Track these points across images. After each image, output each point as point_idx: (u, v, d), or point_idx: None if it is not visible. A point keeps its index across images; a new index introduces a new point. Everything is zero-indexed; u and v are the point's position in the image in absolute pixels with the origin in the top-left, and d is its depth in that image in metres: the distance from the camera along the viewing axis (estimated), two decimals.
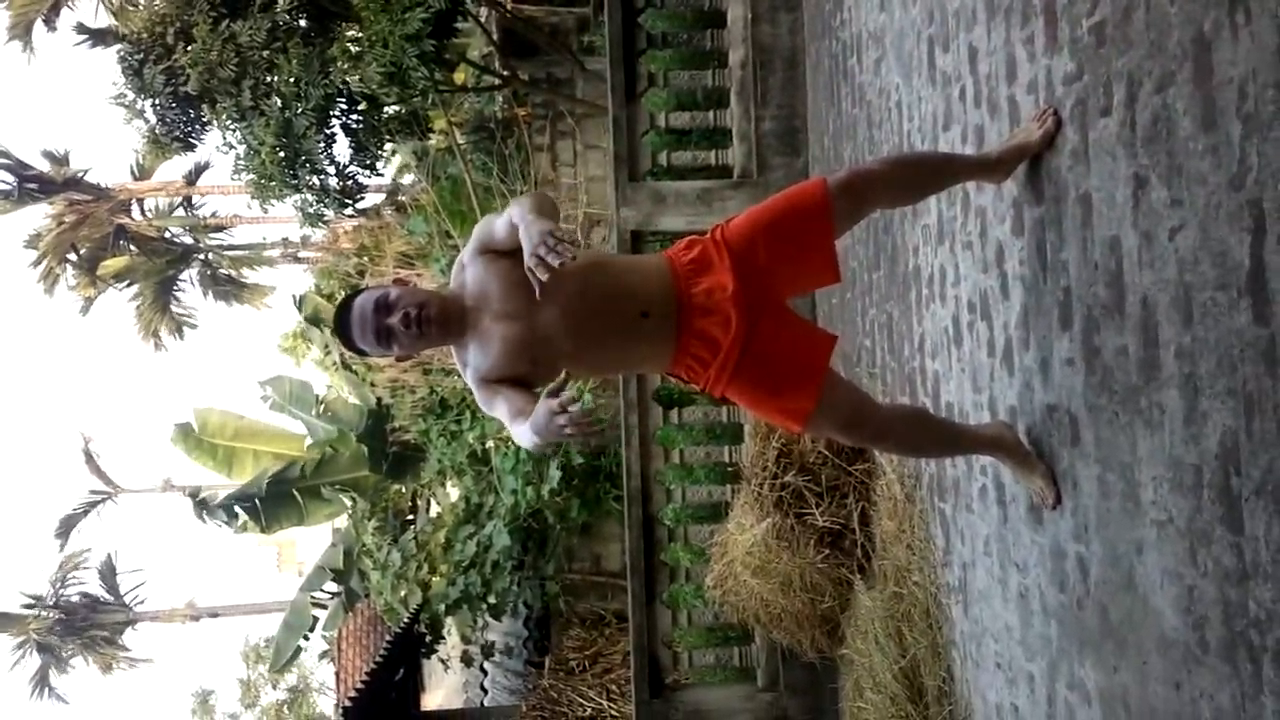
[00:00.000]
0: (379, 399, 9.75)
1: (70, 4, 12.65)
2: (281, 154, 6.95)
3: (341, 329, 2.17)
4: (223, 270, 16.56)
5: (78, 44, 9.92)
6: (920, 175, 2.37)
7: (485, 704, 9.26)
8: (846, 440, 2.35)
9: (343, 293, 11.66)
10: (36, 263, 15.11)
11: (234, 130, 7.25)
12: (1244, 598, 1.57)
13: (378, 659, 7.52)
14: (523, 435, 2.01)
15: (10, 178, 14.90)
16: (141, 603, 18.32)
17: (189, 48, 7.19)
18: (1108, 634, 2.05)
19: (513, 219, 2.03)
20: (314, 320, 11.55)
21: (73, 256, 15.25)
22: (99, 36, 9.80)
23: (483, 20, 8.78)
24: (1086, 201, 2.06)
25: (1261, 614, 1.53)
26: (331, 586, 10.19)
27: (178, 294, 16.06)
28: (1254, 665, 1.55)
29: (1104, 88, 1.97)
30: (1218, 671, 1.65)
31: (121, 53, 7.72)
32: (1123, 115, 1.90)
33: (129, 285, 15.72)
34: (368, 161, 7.84)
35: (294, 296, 12.45)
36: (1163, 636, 1.82)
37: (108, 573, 17.56)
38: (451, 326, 2.13)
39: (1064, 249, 2.17)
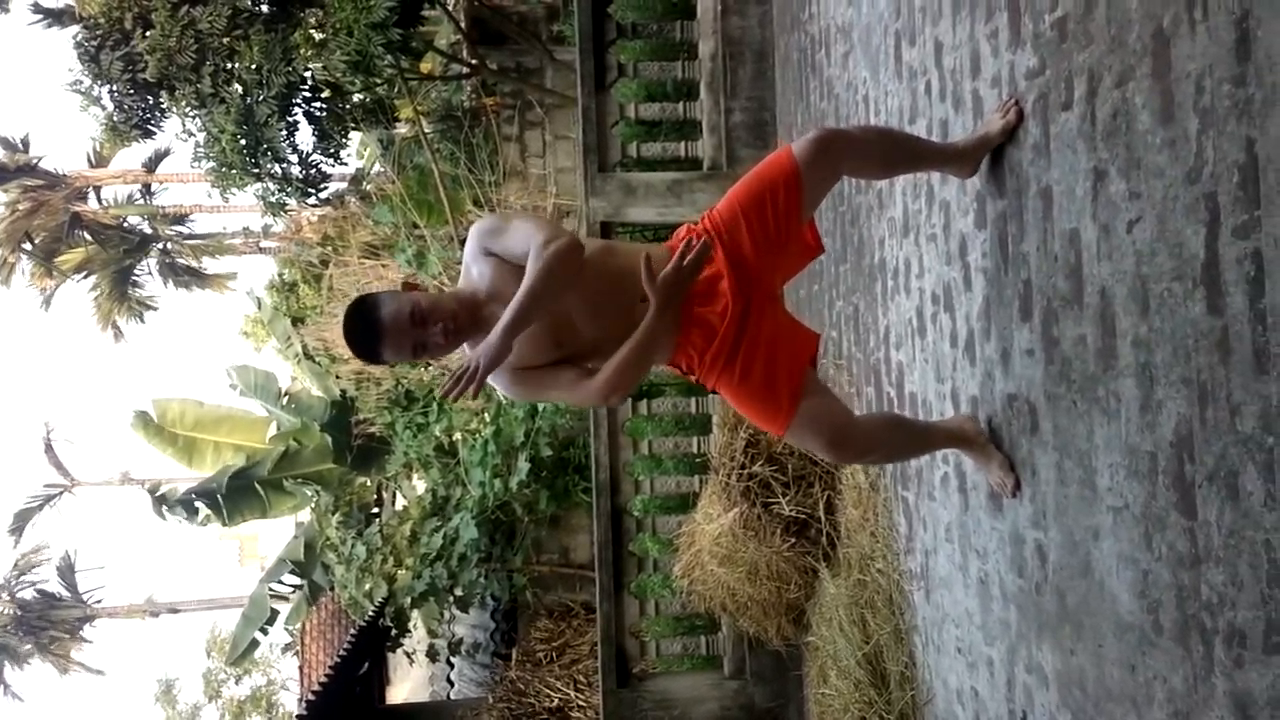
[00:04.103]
0: (343, 391, 9.63)
1: None
2: (242, 142, 6.84)
3: (364, 341, 2.02)
4: (182, 260, 16.23)
5: (32, 23, 9.63)
6: (892, 147, 2.39)
7: (451, 696, 9.22)
8: (831, 458, 2.35)
9: (305, 284, 11.50)
10: None
11: (194, 117, 7.12)
12: (1197, 581, 1.61)
13: (342, 653, 7.47)
14: (599, 389, 2.09)
15: None
16: (99, 601, 17.94)
17: (148, 33, 7.04)
18: (1065, 618, 2.09)
19: (530, 258, 1.97)
20: (279, 311, 11.36)
21: (27, 245, 14.87)
22: (55, 16, 9.54)
23: (450, 8, 8.69)
24: (1047, 195, 2.09)
25: (1214, 597, 1.57)
26: (294, 580, 10.06)
27: (136, 284, 15.71)
28: (1206, 647, 1.59)
29: (1065, 82, 2.00)
30: (1171, 654, 1.69)
31: (78, 38, 7.53)
32: (1083, 109, 1.93)
33: (87, 276, 15.36)
34: (331, 150, 7.74)
35: (252, 295, 12.15)
36: (1118, 620, 1.87)
37: (66, 570, 17.16)
38: (476, 328, 2.08)
39: (1025, 241, 2.21)
